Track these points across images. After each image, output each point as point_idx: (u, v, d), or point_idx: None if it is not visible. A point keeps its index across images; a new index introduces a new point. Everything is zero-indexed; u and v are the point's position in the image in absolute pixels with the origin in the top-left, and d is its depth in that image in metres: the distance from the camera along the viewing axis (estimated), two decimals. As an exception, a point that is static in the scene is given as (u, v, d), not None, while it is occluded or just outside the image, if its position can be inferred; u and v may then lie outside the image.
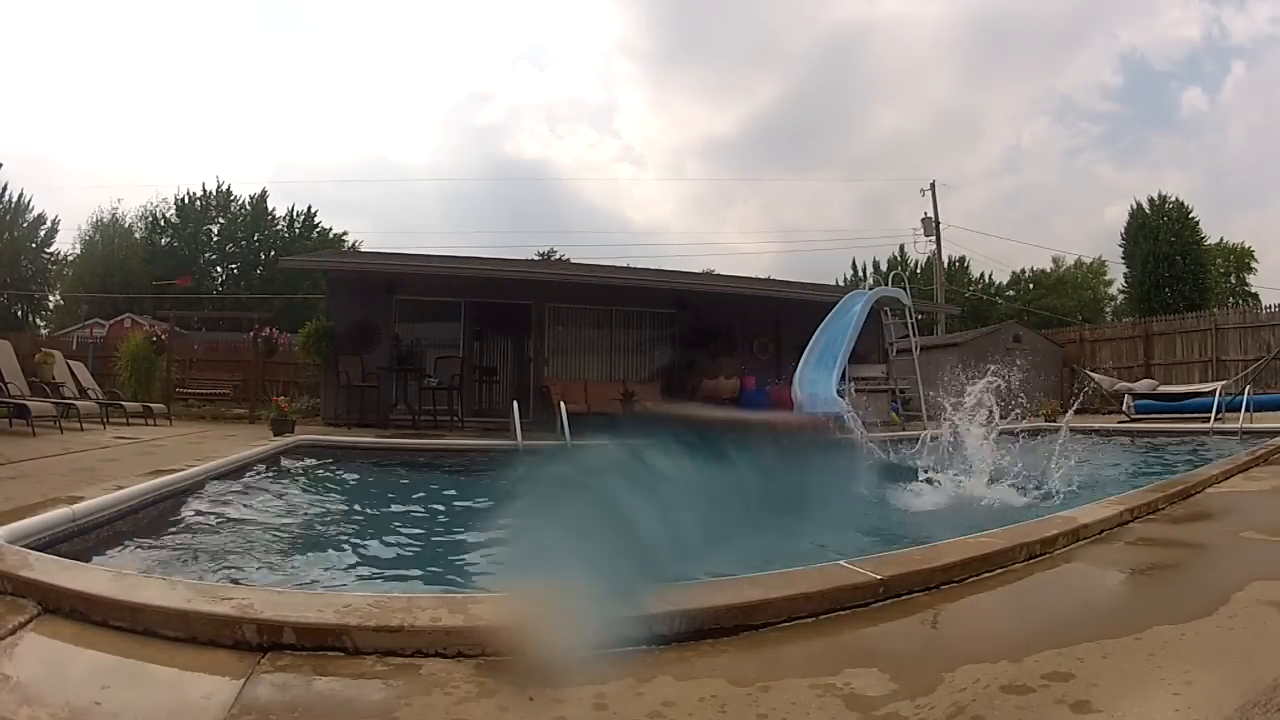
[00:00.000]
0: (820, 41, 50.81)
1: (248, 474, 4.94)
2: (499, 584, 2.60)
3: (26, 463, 4.60)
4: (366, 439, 7.50)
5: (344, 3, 56.23)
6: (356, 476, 5.68)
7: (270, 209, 37.18)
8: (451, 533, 3.97)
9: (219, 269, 36.79)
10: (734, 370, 12.25)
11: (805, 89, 51.89)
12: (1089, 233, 49.60)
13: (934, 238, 26.32)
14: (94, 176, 50.35)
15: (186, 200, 35.76)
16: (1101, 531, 2.97)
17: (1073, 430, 5.31)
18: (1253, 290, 29.23)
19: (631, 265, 19.63)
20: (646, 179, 57.78)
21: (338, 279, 13.05)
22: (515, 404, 7.76)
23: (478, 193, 52.84)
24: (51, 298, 33.90)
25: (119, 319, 26.50)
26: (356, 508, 4.57)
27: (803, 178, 54.25)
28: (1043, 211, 49.96)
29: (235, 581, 2.64)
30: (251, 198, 36.86)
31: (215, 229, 36.46)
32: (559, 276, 14.61)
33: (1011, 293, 35.96)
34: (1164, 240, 23.09)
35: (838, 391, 8.61)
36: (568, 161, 56.44)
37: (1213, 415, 8.90)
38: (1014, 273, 36.85)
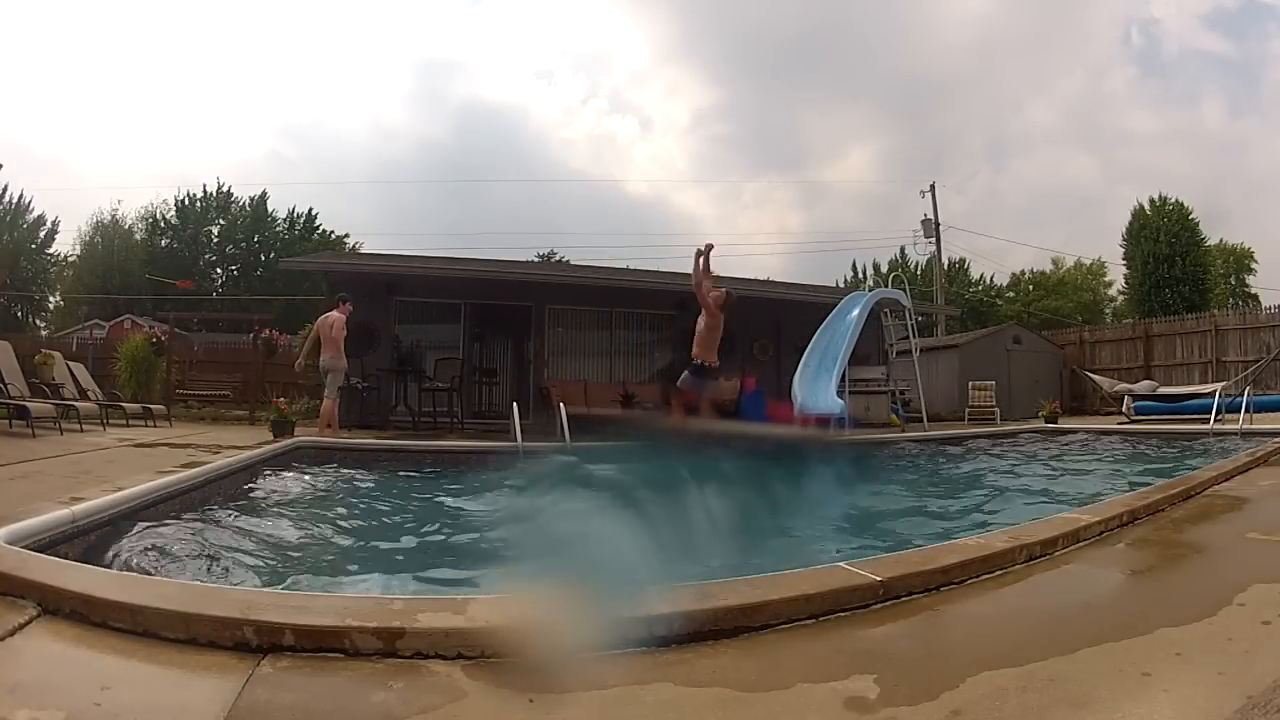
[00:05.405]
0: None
1: (248, 475, 4.93)
2: (499, 585, 2.59)
3: (26, 464, 4.60)
4: (367, 441, 7.49)
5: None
6: (356, 478, 5.67)
7: (270, 210, 37.24)
8: (450, 534, 3.96)
9: (219, 270, 36.82)
10: (734, 372, 12.25)
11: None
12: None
13: (934, 239, 26.30)
14: (93, 178, 50.45)
15: (186, 201, 35.82)
16: (1102, 533, 2.96)
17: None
18: (1253, 291, 29.29)
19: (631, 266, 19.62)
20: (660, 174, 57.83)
21: (337, 280, 13.03)
22: (515, 405, 7.75)
23: (481, 187, 53.02)
24: (51, 299, 33.95)
25: (119, 320, 26.52)
26: (355, 509, 4.57)
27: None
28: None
29: (235, 583, 2.64)
30: (251, 199, 36.93)
31: (215, 230, 36.47)
32: (558, 278, 14.61)
33: (1011, 294, 35.96)
34: (1164, 241, 23.03)
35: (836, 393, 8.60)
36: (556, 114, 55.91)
37: (1213, 416, 8.90)
38: (1014, 274, 36.90)
